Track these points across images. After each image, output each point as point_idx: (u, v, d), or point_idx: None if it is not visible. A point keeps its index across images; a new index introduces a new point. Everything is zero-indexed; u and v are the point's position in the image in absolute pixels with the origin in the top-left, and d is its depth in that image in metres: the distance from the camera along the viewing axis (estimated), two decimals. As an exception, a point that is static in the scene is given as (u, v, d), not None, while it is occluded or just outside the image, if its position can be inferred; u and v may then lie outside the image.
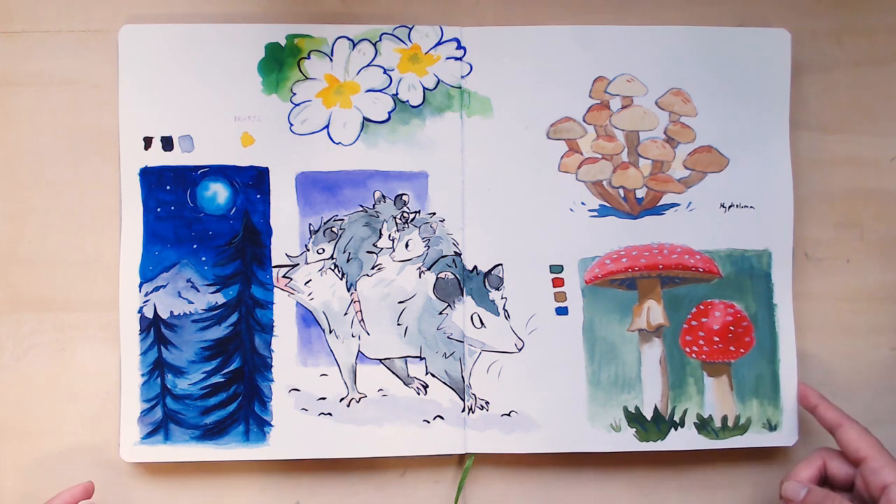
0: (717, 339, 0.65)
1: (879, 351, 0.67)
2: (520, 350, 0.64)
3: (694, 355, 0.65)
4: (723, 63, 0.65)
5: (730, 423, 0.65)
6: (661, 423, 0.65)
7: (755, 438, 0.65)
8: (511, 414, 0.63)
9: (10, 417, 0.65)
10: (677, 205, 0.66)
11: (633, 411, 0.65)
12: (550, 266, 0.65)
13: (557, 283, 0.65)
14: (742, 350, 0.65)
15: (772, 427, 0.65)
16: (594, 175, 0.65)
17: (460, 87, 0.65)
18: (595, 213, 0.65)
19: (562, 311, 0.65)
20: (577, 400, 0.64)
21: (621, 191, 0.66)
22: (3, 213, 0.65)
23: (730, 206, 0.65)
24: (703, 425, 0.65)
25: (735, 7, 0.67)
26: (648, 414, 0.65)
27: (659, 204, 0.66)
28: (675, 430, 0.65)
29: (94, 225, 0.65)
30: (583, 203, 0.65)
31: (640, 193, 0.66)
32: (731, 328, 0.65)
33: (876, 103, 0.67)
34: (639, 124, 0.66)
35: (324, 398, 0.64)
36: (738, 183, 0.65)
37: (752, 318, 0.65)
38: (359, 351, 0.64)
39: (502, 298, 0.64)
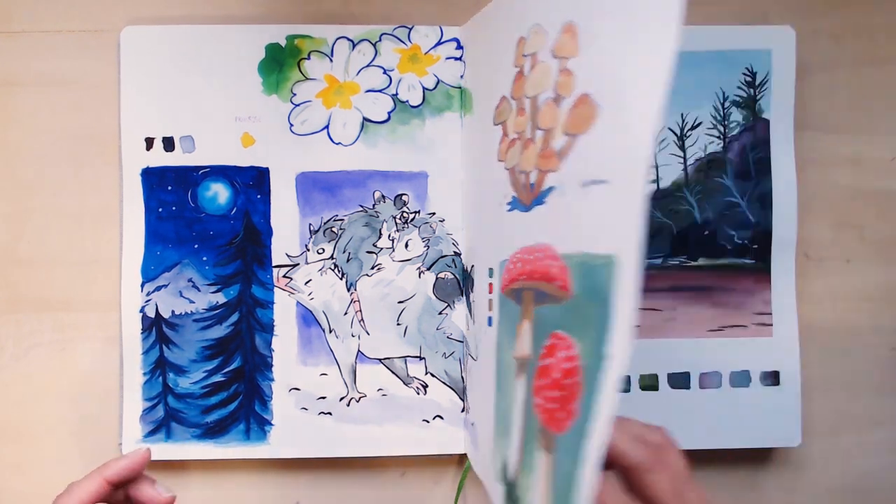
0: (556, 393, 0.41)
1: (879, 351, 0.67)
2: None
3: (538, 411, 0.43)
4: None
5: None
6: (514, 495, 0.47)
7: None
8: (509, 415, 0.63)
9: (10, 417, 0.65)
10: (553, 188, 0.45)
11: (501, 468, 0.49)
12: (489, 269, 0.56)
13: (490, 289, 0.55)
14: (566, 420, 0.40)
15: None
16: (511, 160, 0.51)
17: (460, 87, 0.65)
18: (509, 207, 0.51)
19: (490, 323, 0.55)
20: None
21: (523, 176, 0.49)
22: (3, 213, 0.65)
23: (590, 183, 0.41)
24: None
25: (733, 7, 0.66)
26: (511, 477, 0.48)
27: (542, 189, 0.46)
28: None
29: (95, 225, 0.65)
30: (505, 195, 0.52)
31: (533, 178, 0.47)
32: (566, 381, 0.40)
33: (876, 103, 0.66)
34: (538, 86, 0.47)
35: (324, 397, 0.64)
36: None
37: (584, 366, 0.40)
38: (358, 350, 0.64)
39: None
